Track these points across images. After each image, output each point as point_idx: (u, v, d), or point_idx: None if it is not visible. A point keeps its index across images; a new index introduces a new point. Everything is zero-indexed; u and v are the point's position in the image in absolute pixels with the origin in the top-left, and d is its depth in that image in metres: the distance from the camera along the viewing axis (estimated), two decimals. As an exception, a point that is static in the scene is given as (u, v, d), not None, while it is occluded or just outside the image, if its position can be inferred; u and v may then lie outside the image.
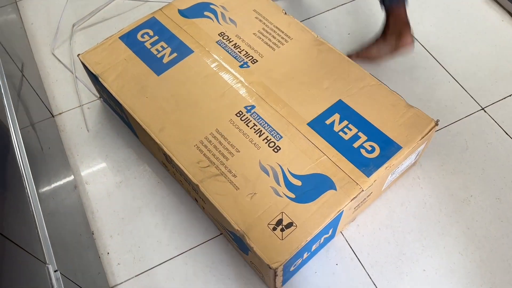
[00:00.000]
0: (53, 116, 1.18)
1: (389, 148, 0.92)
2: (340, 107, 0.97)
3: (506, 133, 1.12)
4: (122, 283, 0.97)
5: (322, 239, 0.91)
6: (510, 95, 1.18)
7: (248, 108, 0.98)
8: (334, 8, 1.38)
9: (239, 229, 0.84)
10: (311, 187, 0.88)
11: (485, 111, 1.16)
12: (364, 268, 0.96)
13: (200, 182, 0.90)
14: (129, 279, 0.97)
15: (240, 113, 0.97)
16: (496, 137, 1.12)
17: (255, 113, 0.97)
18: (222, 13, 1.14)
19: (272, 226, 0.84)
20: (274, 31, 1.10)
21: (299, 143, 0.93)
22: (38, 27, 1.38)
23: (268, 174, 0.90)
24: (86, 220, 1.04)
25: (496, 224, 1.00)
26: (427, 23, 1.33)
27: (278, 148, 0.93)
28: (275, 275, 0.83)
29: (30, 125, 0.98)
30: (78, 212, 1.03)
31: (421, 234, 0.99)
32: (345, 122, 0.95)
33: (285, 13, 1.13)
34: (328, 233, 0.92)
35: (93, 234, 1.02)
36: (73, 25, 1.35)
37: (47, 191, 0.88)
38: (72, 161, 1.12)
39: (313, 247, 0.91)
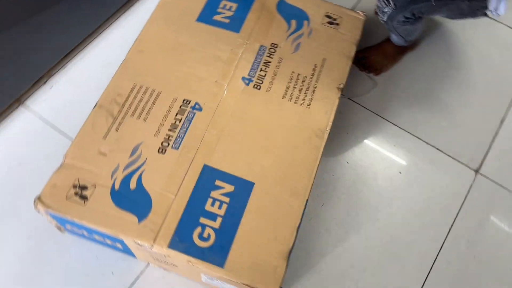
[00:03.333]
0: None
1: (214, 254, 0.79)
2: (243, 187, 0.85)
3: None
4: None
5: (108, 240, 0.87)
6: None
7: (197, 106, 0.93)
8: (419, 139, 1.11)
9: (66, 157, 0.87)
10: (134, 200, 0.83)
11: None
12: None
13: (99, 106, 0.92)
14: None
15: (188, 102, 0.93)
16: None
17: (192, 114, 0.92)
18: (301, 34, 1.03)
19: (77, 184, 0.84)
20: (307, 89, 0.97)
21: (177, 167, 0.86)
22: None
23: (131, 156, 0.87)
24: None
25: None
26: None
27: (164, 151, 0.88)
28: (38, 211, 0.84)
29: None
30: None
31: None
32: (226, 199, 0.84)
33: (338, 89, 0.97)
34: (112, 242, 0.87)
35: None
36: None
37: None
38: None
39: (96, 236, 0.88)
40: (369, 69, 1.17)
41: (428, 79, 1.19)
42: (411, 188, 1.06)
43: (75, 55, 1.17)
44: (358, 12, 1.07)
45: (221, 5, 1.06)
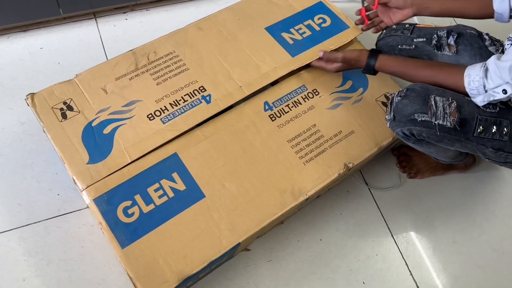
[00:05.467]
0: None
1: (124, 233, 0.79)
2: (193, 193, 0.83)
3: None
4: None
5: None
6: None
7: (207, 98, 0.92)
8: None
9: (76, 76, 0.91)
10: (98, 143, 0.85)
11: None
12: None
13: (133, 52, 0.96)
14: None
15: (203, 90, 0.93)
16: None
17: (198, 101, 0.91)
18: (348, 97, 0.98)
19: (67, 103, 0.88)
20: (316, 148, 0.91)
21: (152, 138, 0.86)
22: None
23: (125, 106, 0.89)
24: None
25: None
26: None
27: (152, 118, 0.89)
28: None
29: None
30: None
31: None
32: (171, 193, 0.82)
33: (346, 166, 0.90)
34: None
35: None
36: None
37: None
38: None
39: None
40: (405, 169, 1.07)
41: (456, 214, 1.06)
42: (363, 304, 0.96)
43: (163, 5, 1.23)
44: (417, 109, 0.98)
45: (298, 27, 1.03)
